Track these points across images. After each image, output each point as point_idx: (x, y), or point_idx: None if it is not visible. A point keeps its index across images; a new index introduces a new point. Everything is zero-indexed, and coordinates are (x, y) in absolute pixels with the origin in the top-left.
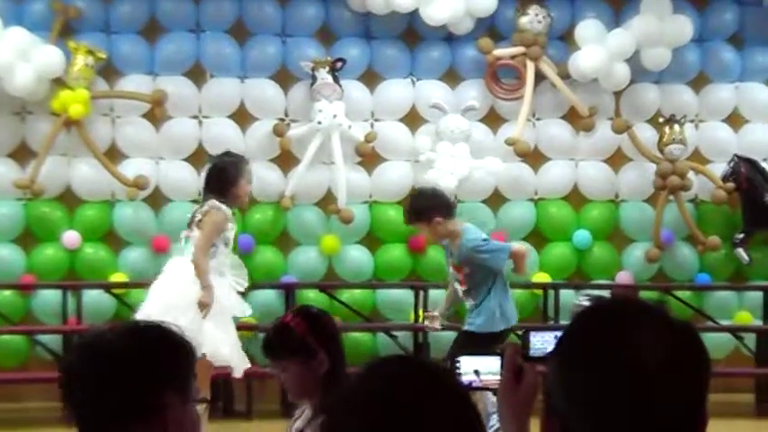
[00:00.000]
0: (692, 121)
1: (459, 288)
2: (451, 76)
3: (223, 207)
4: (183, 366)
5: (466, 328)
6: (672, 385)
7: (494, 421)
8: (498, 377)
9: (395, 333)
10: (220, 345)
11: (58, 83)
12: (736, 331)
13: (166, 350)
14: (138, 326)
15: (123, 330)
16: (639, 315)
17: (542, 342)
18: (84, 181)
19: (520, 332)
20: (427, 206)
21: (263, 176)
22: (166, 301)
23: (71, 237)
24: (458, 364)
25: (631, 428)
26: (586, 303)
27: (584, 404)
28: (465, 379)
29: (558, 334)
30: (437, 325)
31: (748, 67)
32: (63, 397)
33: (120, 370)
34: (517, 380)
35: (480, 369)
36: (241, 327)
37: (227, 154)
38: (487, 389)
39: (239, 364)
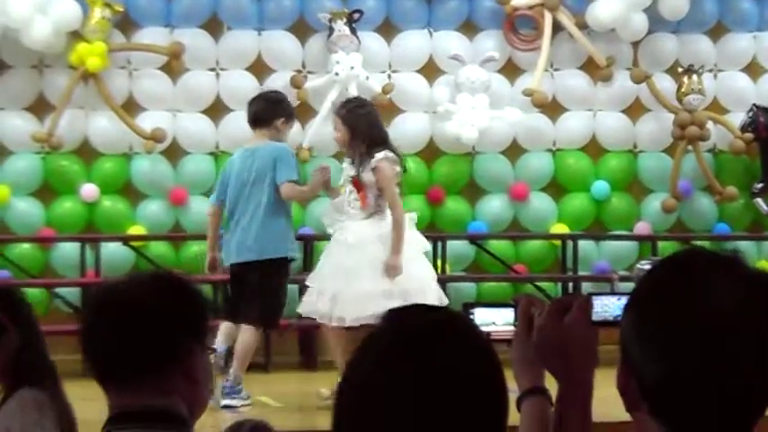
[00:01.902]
0: (710, 71)
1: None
2: (469, 27)
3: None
4: (202, 314)
5: None
6: (750, 330)
7: None
8: (511, 328)
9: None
10: None
11: (76, 36)
12: None
13: (187, 298)
14: (157, 275)
15: (143, 280)
16: (711, 264)
17: (603, 306)
18: (101, 134)
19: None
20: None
21: None
22: None
23: (89, 190)
24: (471, 316)
25: (710, 373)
26: (648, 267)
27: (660, 354)
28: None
29: (620, 298)
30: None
31: (767, 17)
32: (84, 349)
33: (144, 318)
34: (530, 331)
35: (495, 320)
36: None
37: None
38: (501, 340)
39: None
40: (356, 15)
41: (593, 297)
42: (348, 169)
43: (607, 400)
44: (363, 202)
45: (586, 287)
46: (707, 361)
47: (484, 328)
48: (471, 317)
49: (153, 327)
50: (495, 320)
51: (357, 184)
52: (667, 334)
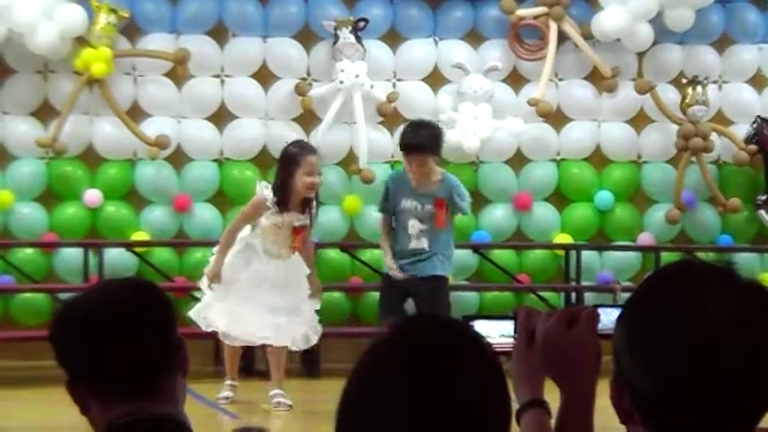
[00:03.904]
0: (715, 83)
1: (422, 227)
2: (474, 37)
3: (265, 192)
4: (173, 308)
5: (440, 273)
6: (743, 341)
7: None
8: (511, 340)
9: None
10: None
11: (81, 41)
12: None
13: (162, 295)
14: (123, 282)
15: (116, 288)
16: (704, 275)
17: (610, 320)
18: (106, 140)
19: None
20: (441, 142)
21: (283, 136)
22: None
23: (93, 195)
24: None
25: (703, 385)
26: None
27: (651, 366)
28: None
29: None
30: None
31: None
32: (79, 361)
33: (144, 324)
34: (530, 343)
35: (496, 333)
36: None
37: (295, 143)
38: (500, 353)
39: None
40: (361, 23)
41: (600, 310)
42: (293, 217)
43: (605, 410)
44: (298, 248)
45: (589, 297)
46: (699, 373)
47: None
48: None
49: (154, 330)
50: (495, 333)
51: (302, 231)
52: (659, 346)
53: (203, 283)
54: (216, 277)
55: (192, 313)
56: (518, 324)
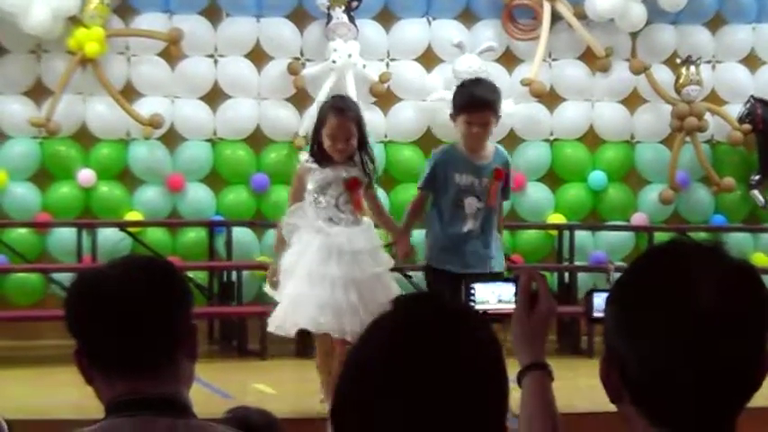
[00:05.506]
0: (708, 63)
1: (479, 205)
2: (468, 16)
3: (302, 156)
4: (190, 292)
5: (497, 269)
6: (730, 322)
7: None
8: (513, 304)
9: (410, 273)
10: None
11: (74, 21)
12: None
13: (179, 279)
14: (144, 261)
15: (134, 267)
16: (695, 253)
17: (605, 303)
18: (99, 119)
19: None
20: (501, 102)
21: (277, 115)
22: None
23: (86, 175)
24: (472, 292)
25: (690, 367)
26: None
27: (642, 345)
28: (480, 307)
29: None
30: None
31: (766, 8)
32: (86, 337)
33: (156, 305)
34: (531, 307)
35: (495, 297)
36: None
37: (329, 99)
38: (502, 315)
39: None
40: (354, 3)
41: (595, 293)
42: (340, 170)
43: (597, 389)
44: (358, 206)
45: (582, 277)
46: (687, 352)
47: (483, 306)
48: (472, 292)
49: (166, 312)
50: (493, 298)
51: (355, 184)
52: (647, 326)
53: (268, 288)
54: (274, 276)
55: (270, 328)
56: (519, 287)
